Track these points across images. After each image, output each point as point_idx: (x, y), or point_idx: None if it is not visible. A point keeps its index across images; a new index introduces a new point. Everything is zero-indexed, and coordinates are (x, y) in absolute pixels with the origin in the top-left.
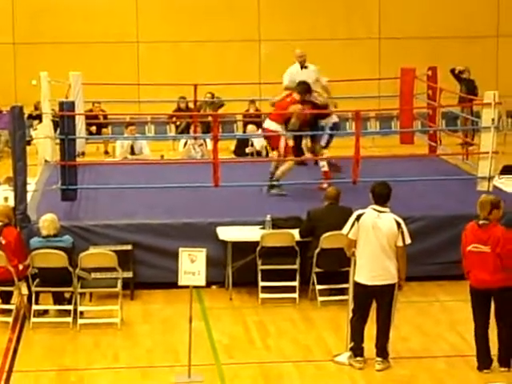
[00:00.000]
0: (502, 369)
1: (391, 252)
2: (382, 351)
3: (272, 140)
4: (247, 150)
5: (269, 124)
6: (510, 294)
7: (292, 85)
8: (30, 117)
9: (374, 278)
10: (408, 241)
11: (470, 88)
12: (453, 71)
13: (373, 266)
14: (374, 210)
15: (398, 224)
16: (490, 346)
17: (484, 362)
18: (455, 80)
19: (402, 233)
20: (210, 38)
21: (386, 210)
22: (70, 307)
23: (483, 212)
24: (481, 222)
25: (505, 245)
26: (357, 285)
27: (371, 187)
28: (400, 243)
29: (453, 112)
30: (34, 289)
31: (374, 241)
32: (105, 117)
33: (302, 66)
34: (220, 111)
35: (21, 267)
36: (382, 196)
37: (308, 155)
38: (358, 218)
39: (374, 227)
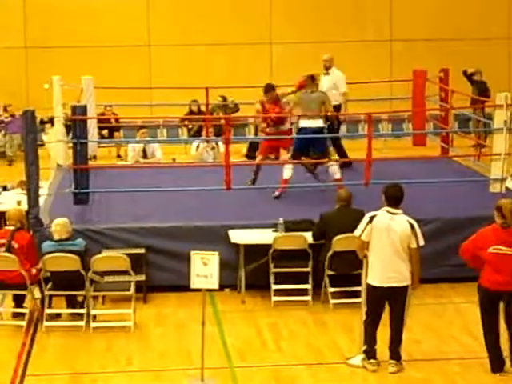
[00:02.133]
0: None
1: (404, 254)
2: (396, 353)
3: None
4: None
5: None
6: None
7: None
8: (42, 121)
9: (387, 280)
10: (421, 242)
11: (481, 90)
12: (465, 73)
13: (386, 267)
14: (387, 211)
15: (412, 226)
16: (501, 348)
17: (497, 365)
18: (468, 82)
19: (416, 234)
20: (222, 40)
21: (399, 211)
22: (83, 311)
23: (503, 218)
24: (505, 225)
25: None
26: (370, 287)
27: (384, 189)
28: (414, 245)
29: (465, 114)
30: (46, 292)
31: (387, 243)
32: (117, 120)
33: (325, 72)
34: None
35: (34, 271)
36: (394, 198)
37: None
38: (371, 219)
39: (388, 229)
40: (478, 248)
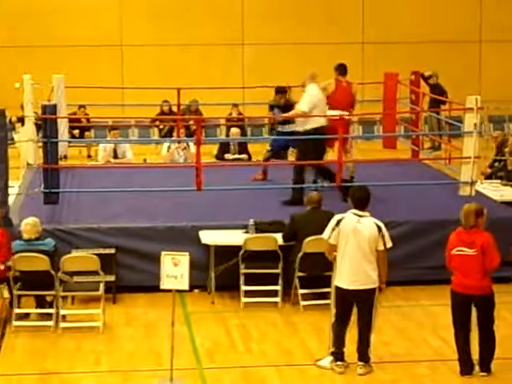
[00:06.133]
0: (482, 374)
1: (372, 256)
2: (364, 355)
3: None
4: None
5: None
6: (489, 301)
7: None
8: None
9: (354, 283)
10: (389, 245)
11: (437, 93)
12: (422, 76)
13: (353, 270)
14: (354, 214)
15: (379, 228)
16: (471, 351)
17: (466, 367)
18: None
19: (383, 237)
20: (194, 41)
21: (366, 214)
22: (52, 311)
23: (469, 221)
24: (467, 229)
25: (488, 247)
26: (338, 289)
27: (351, 192)
28: (381, 247)
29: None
30: (15, 292)
31: (354, 245)
32: (88, 120)
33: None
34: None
35: (2, 267)
36: (361, 200)
37: None
38: (338, 222)
39: (355, 231)
40: (448, 251)
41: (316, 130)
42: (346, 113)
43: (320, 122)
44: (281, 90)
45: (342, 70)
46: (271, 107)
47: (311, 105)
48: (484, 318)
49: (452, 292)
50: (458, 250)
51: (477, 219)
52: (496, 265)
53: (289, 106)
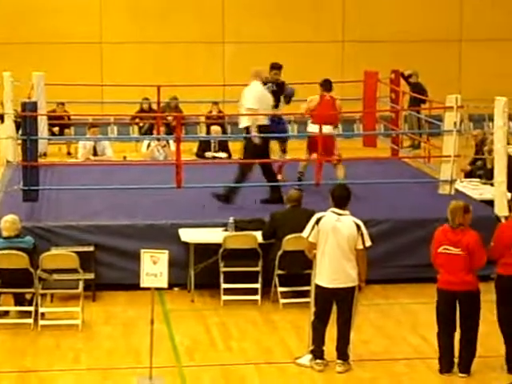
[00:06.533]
0: (462, 375)
1: (351, 255)
2: (343, 354)
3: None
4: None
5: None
6: (475, 298)
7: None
8: None
9: (333, 281)
10: (368, 243)
11: (417, 92)
12: (402, 75)
13: (333, 268)
14: (334, 212)
15: (358, 226)
16: (453, 350)
17: (446, 365)
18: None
19: (362, 235)
20: (174, 39)
21: (346, 212)
22: (31, 308)
23: (456, 218)
24: (454, 226)
25: (474, 246)
26: (317, 287)
27: (331, 190)
28: (360, 246)
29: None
30: None
31: (333, 244)
32: (68, 117)
33: None
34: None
35: None
36: (341, 199)
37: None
38: (318, 221)
39: (334, 230)
40: (433, 249)
41: (257, 128)
42: (329, 126)
43: (263, 120)
44: (276, 66)
45: (327, 85)
46: (265, 84)
47: (258, 101)
48: (468, 317)
49: (438, 290)
50: (444, 249)
51: (464, 216)
52: (483, 263)
53: (281, 84)
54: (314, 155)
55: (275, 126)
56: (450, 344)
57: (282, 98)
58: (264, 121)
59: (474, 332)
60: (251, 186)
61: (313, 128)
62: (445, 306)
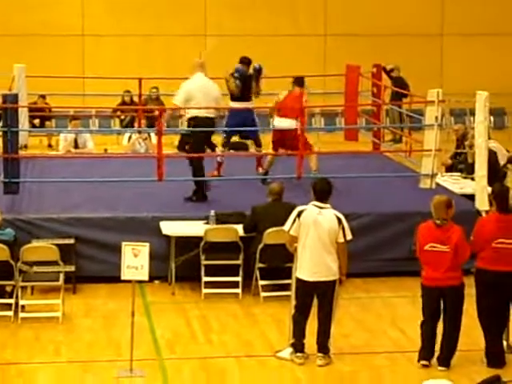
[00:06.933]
0: (441, 368)
1: (332, 248)
2: (323, 347)
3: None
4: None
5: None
6: (459, 293)
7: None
8: None
9: (314, 275)
10: (349, 237)
11: (398, 86)
12: (384, 69)
13: (314, 262)
14: (315, 206)
15: (339, 220)
16: (435, 339)
17: (425, 353)
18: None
19: (343, 229)
20: (156, 32)
21: (327, 206)
22: (12, 301)
23: (440, 213)
24: (438, 222)
25: (459, 241)
26: (298, 281)
27: (312, 184)
28: (341, 239)
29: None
30: None
31: (315, 237)
32: (49, 110)
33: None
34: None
35: None
36: (322, 192)
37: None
38: (299, 214)
39: (315, 223)
40: (419, 246)
41: (194, 120)
42: (292, 119)
43: (200, 112)
44: (245, 61)
45: (298, 81)
46: (232, 75)
47: (186, 96)
48: (452, 312)
49: (423, 287)
50: (431, 246)
51: (447, 210)
52: (467, 258)
53: (248, 77)
54: (281, 150)
55: (242, 119)
56: (432, 333)
57: (253, 89)
58: (207, 113)
59: (457, 328)
60: (232, 180)
61: (277, 121)
62: (430, 301)
